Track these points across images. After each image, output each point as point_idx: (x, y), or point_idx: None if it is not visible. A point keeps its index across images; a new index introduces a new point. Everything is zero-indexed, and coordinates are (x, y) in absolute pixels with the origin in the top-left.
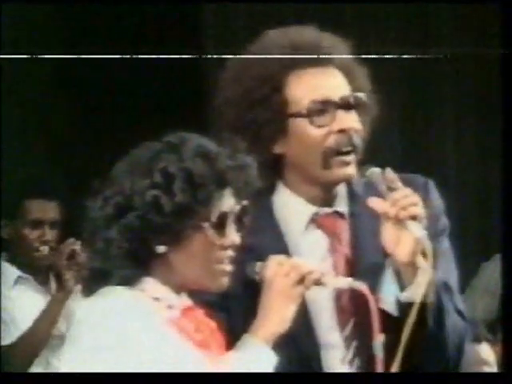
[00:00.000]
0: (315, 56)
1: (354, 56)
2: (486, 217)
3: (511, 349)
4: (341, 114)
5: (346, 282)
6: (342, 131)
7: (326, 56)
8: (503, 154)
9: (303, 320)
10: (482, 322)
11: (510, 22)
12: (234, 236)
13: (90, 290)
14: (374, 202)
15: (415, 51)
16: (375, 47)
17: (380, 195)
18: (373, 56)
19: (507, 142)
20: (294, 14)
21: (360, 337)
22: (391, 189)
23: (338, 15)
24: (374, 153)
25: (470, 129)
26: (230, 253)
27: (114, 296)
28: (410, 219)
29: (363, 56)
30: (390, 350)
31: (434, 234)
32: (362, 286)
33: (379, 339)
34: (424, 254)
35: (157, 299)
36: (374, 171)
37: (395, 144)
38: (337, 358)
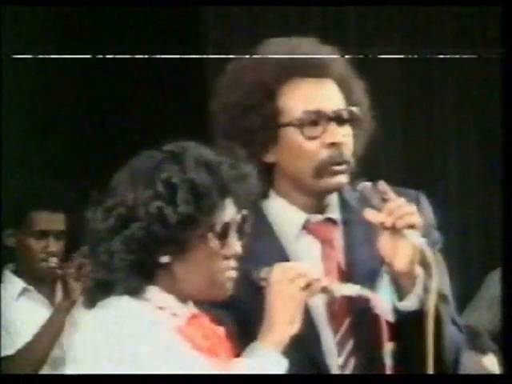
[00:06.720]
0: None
1: (353, 56)
2: (488, 228)
3: (511, 349)
4: (333, 127)
5: (355, 290)
6: (333, 144)
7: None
8: (503, 160)
9: (310, 324)
10: (489, 332)
11: (510, 23)
12: (236, 246)
13: (92, 300)
14: (370, 214)
15: (416, 53)
16: (376, 49)
17: (374, 207)
18: (373, 56)
19: (507, 148)
20: (294, 17)
21: (364, 345)
22: (385, 200)
23: (338, 17)
24: (373, 161)
25: (471, 137)
26: (233, 263)
27: (118, 307)
28: (407, 228)
29: (363, 56)
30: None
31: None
32: (372, 294)
33: (388, 347)
34: (424, 262)
35: (161, 308)
36: (366, 185)
37: (395, 150)
38: (335, 364)
